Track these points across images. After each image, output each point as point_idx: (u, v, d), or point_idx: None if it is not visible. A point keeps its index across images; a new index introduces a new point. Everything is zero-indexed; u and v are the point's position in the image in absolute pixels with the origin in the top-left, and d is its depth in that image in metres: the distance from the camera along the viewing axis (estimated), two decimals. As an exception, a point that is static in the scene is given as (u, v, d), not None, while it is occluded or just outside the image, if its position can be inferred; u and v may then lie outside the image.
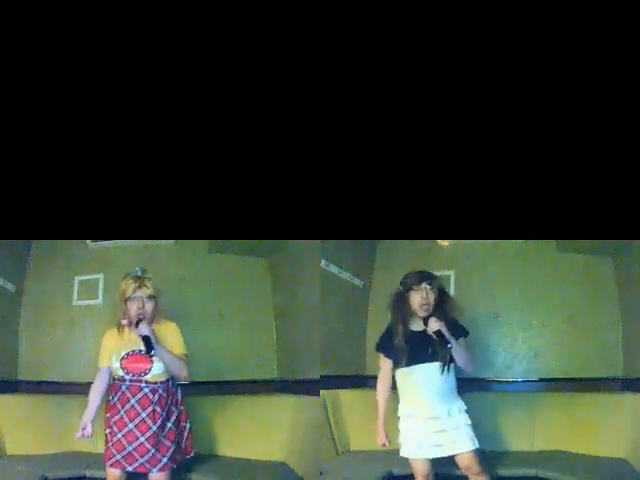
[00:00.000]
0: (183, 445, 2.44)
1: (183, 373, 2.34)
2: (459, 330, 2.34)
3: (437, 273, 2.46)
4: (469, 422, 2.32)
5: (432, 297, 2.30)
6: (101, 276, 3.22)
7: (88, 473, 2.58)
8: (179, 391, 2.43)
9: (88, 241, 3.22)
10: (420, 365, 2.29)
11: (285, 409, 2.87)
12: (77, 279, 3.23)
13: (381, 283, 3.37)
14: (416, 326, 2.33)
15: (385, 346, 2.38)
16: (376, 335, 3.28)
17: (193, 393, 3.09)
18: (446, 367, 2.27)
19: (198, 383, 3.16)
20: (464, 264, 3.27)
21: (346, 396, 2.97)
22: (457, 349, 2.25)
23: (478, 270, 3.25)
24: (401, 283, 2.37)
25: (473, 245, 3.23)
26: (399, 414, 2.38)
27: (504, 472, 2.58)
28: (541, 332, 3.18)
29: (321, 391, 2.73)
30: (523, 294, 3.21)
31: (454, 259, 3.27)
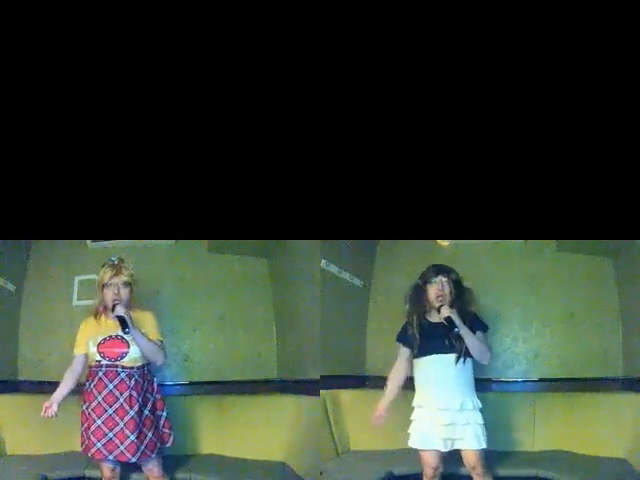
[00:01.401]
0: (160, 433, 2.44)
1: (159, 358, 2.38)
2: (478, 324, 2.38)
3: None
4: (481, 421, 2.33)
5: (448, 290, 2.36)
6: (101, 276, 3.22)
7: (88, 473, 2.58)
8: (155, 379, 2.45)
9: (88, 241, 3.22)
10: (435, 355, 2.33)
11: (285, 409, 2.87)
12: (77, 279, 3.23)
13: (381, 283, 3.38)
14: (433, 318, 2.37)
15: (403, 336, 2.44)
16: (376, 335, 3.31)
17: (193, 393, 3.10)
18: (461, 359, 2.30)
19: (198, 383, 3.17)
20: (464, 264, 3.26)
21: (346, 396, 2.97)
22: (471, 338, 2.28)
23: (478, 270, 3.25)
24: (420, 276, 2.43)
25: (473, 245, 3.23)
26: (413, 404, 2.40)
27: (504, 472, 2.57)
28: (541, 332, 3.18)
29: (321, 391, 2.73)
30: (523, 294, 3.21)
31: (454, 259, 3.26)
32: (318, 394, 2.71)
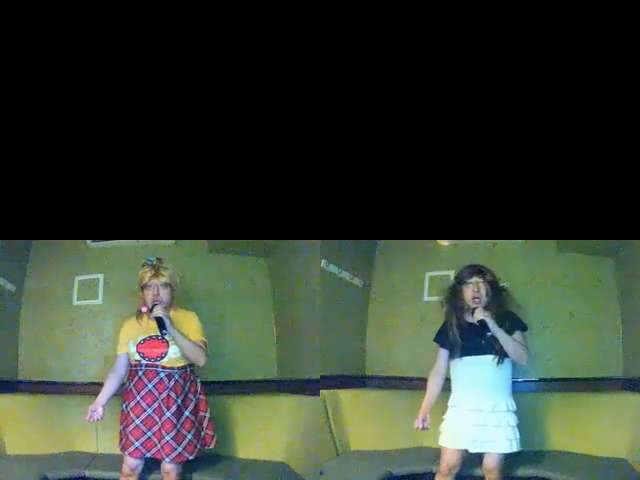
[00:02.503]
0: (203, 435, 2.44)
1: (200, 359, 2.35)
2: (515, 323, 2.37)
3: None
4: (514, 423, 2.33)
5: (484, 290, 2.35)
6: (101, 276, 3.22)
7: (88, 473, 2.58)
8: (198, 380, 2.44)
9: (88, 241, 3.22)
10: (472, 357, 2.33)
11: (285, 409, 2.87)
12: (77, 279, 3.23)
13: (381, 283, 3.37)
14: (471, 319, 2.37)
15: (441, 337, 2.42)
16: (376, 335, 3.31)
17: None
18: (499, 360, 2.30)
19: (198, 383, 3.17)
20: (464, 264, 3.26)
21: (346, 396, 2.97)
22: (506, 340, 2.28)
23: (478, 270, 3.25)
24: (455, 277, 2.45)
25: (473, 245, 3.23)
26: (448, 404, 2.40)
27: (505, 472, 2.57)
28: (541, 332, 3.17)
29: (321, 391, 2.73)
30: (523, 294, 3.21)
31: (454, 259, 3.26)
32: (318, 394, 2.71)
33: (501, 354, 2.31)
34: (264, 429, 2.86)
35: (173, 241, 3.24)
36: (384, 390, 2.96)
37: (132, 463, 2.32)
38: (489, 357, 2.31)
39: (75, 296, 3.21)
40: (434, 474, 2.47)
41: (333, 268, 3.07)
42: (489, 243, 3.23)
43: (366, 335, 3.33)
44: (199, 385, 2.45)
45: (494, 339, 2.29)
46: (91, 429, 2.78)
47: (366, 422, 2.92)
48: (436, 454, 2.46)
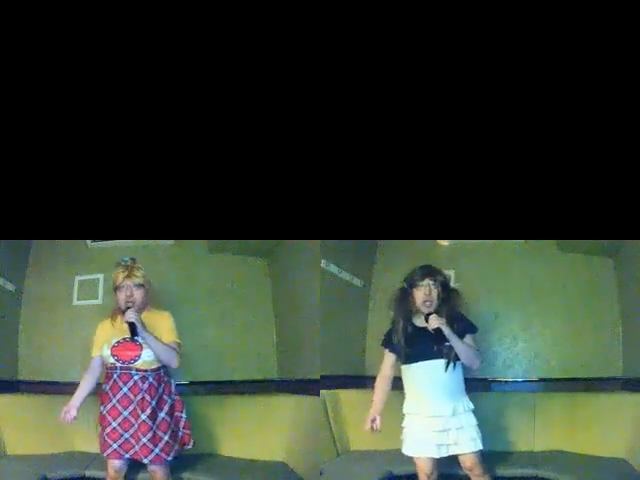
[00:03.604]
0: (180, 434, 2.44)
1: (173, 361, 2.34)
2: (466, 326, 2.31)
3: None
4: (474, 422, 2.30)
5: (435, 293, 2.28)
6: (101, 276, 3.22)
7: (88, 473, 2.58)
8: (172, 381, 2.44)
9: (88, 241, 3.22)
10: (423, 362, 2.27)
11: (285, 409, 2.87)
12: (77, 279, 3.23)
13: (381, 283, 3.37)
14: (420, 322, 2.31)
15: (389, 341, 2.37)
16: (376, 335, 3.30)
17: (193, 393, 3.09)
18: (451, 364, 2.25)
19: (198, 383, 3.16)
20: (464, 264, 3.27)
21: (346, 396, 2.97)
22: (460, 346, 2.22)
23: (478, 270, 3.25)
24: (405, 279, 2.36)
25: (473, 245, 3.23)
26: (404, 411, 2.36)
27: (504, 472, 2.57)
28: (541, 332, 3.18)
29: (321, 391, 2.73)
30: (523, 294, 3.21)
31: (454, 259, 3.27)
32: (318, 394, 2.71)
33: (453, 358, 2.24)
34: (264, 429, 2.86)
35: (173, 241, 3.24)
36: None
37: (116, 465, 2.31)
38: (440, 361, 2.25)
39: (75, 296, 3.22)
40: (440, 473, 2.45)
41: (333, 268, 3.07)
42: (489, 243, 3.23)
43: (366, 335, 3.32)
44: (173, 386, 2.44)
45: (447, 344, 2.23)
46: (91, 429, 2.77)
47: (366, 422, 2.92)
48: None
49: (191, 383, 3.17)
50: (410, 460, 2.37)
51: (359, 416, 2.91)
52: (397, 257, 3.33)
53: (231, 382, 3.19)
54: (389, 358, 2.38)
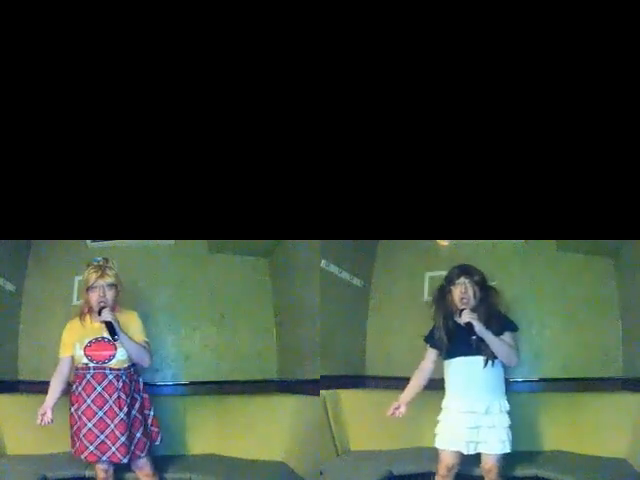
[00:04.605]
0: (149, 432, 2.45)
1: (146, 360, 2.37)
2: (505, 324, 2.36)
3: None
4: (507, 424, 2.33)
5: (471, 291, 2.34)
6: (101, 276, 3.22)
7: (88, 473, 2.58)
8: (140, 379, 2.46)
9: (88, 241, 3.22)
10: (462, 358, 2.33)
11: (285, 409, 2.87)
12: (77, 279, 3.22)
13: (381, 283, 3.37)
14: (460, 319, 2.35)
15: (431, 337, 2.43)
16: (376, 335, 3.31)
17: (193, 393, 3.09)
18: (489, 362, 2.29)
19: (198, 383, 3.17)
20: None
21: (346, 396, 2.97)
22: (495, 343, 2.27)
23: (478, 270, 3.25)
24: (445, 278, 2.43)
25: (473, 245, 3.23)
26: (442, 405, 2.40)
27: (504, 472, 2.57)
28: (541, 332, 3.17)
29: (321, 391, 2.73)
30: (523, 294, 3.21)
31: (454, 259, 3.26)
32: (318, 394, 2.71)
33: (490, 355, 2.30)
34: (264, 429, 2.86)
35: (173, 241, 3.24)
36: (384, 390, 2.96)
37: (103, 466, 2.34)
38: (479, 358, 2.30)
39: (75, 296, 3.21)
40: (434, 474, 2.47)
41: (333, 268, 3.07)
42: (489, 243, 3.23)
43: (366, 335, 3.32)
44: (142, 384, 2.46)
45: (481, 341, 2.28)
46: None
47: (366, 422, 2.92)
48: (436, 454, 2.46)
49: (191, 383, 3.17)
50: (410, 460, 2.37)
51: (359, 416, 2.93)
52: (397, 257, 3.33)
53: (231, 382, 3.19)
54: (431, 353, 2.43)
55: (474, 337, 2.26)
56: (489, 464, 2.32)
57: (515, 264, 3.23)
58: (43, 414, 2.30)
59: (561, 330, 3.15)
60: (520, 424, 2.88)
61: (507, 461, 2.66)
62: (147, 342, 2.40)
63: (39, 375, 3.10)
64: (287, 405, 2.88)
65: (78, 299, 3.21)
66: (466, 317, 2.27)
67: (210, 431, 2.89)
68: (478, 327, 2.26)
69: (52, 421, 2.31)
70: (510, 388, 3.14)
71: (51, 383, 2.38)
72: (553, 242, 3.13)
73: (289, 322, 3.17)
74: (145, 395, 2.46)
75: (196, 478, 2.57)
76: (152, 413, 2.47)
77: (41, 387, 3.03)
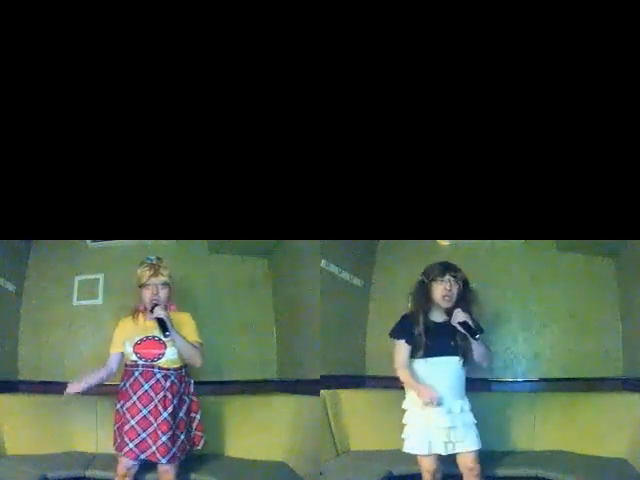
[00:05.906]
0: (192, 435, 2.44)
1: (197, 360, 2.36)
2: (477, 326, 2.31)
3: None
4: (474, 421, 2.30)
5: (455, 289, 2.29)
6: (101, 276, 3.23)
7: (88, 473, 2.58)
8: (192, 381, 2.45)
9: (88, 241, 3.22)
10: (439, 357, 2.27)
11: (285, 409, 2.87)
12: (77, 279, 3.23)
13: (381, 283, 3.37)
14: (437, 317, 2.32)
15: (401, 333, 2.31)
16: (376, 335, 3.31)
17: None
18: (464, 361, 2.27)
19: (198, 383, 3.16)
20: (464, 264, 3.25)
21: (346, 396, 2.97)
22: (475, 343, 2.23)
23: (478, 270, 3.24)
24: (423, 273, 2.35)
25: (473, 245, 3.23)
26: (405, 407, 2.34)
27: (504, 472, 2.57)
28: (541, 332, 3.17)
29: (321, 391, 2.73)
30: (523, 294, 3.21)
31: (454, 259, 3.26)
32: (318, 394, 2.71)
33: (466, 355, 2.27)
34: (264, 429, 2.86)
35: (173, 241, 3.24)
36: (384, 390, 2.96)
37: (128, 463, 2.31)
38: (456, 358, 2.27)
39: (75, 296, 3.21)
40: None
41: (333, 268, 3.07)
42: (489, 243, 3.23)
43: (366, 335, 3.32)
44: (192, 386, 2.45)
45: (463, 339, 2.24)
46: (91, 429, 2.78)
47: (366, 422, 2.92)
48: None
49: (191, 383, 3.17)
50: (410, 460, 2.37)
51: (359, 416, 2.93)
52: (397, 257, 3.33)
53: (231, 382, 3.19)
54: (405, 349, 2.29)
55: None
56: (471, 462, 2.25)
57: (515, 264, 3.23)
58: (74, 384, 2.28)
59: (561, 330, 3.15)
60: (520, 424, 2.90)
61: (507, 461, 2.67)
62: (200, 343, 2.38)
63: (39, 375, 3.11)
64: (287, 405, 2.88)
65: (78, 299, 3.22)
66: (461, 316, 2.23)
67: (210, 431, 2.89)
68: (474, 326, 2.23)
69: (74, 393, 2.27)
70: (510, 388, 3.16)
71: (94, 372, 2.36)
72: (553, 242, 3.13)
73: (289, 322, 3.17)
74: (194, 398, 2.45)
75: (196, 478, 2.57)
76: (199, 416, 2.46)
77: (41, 387, 3.05)
